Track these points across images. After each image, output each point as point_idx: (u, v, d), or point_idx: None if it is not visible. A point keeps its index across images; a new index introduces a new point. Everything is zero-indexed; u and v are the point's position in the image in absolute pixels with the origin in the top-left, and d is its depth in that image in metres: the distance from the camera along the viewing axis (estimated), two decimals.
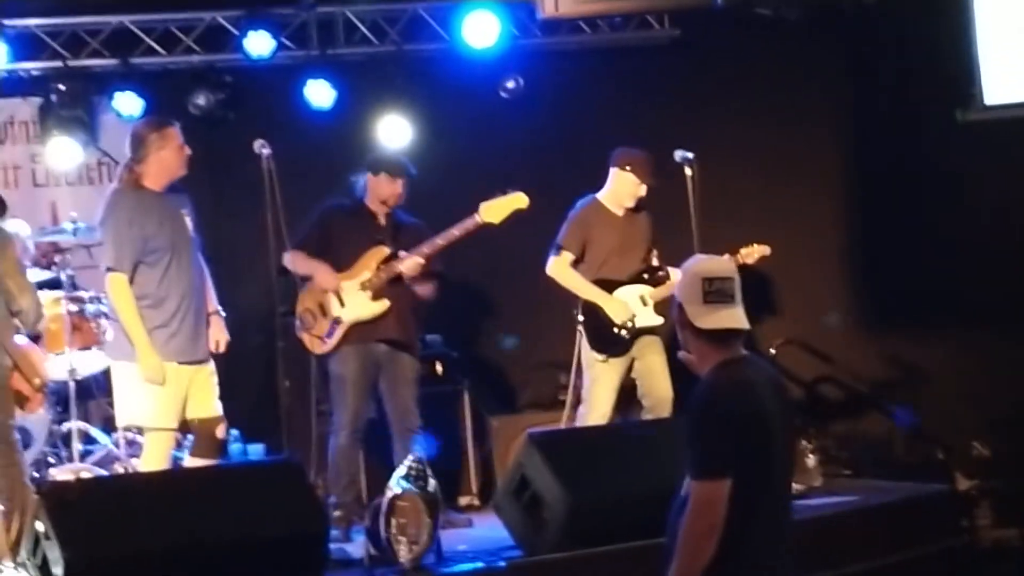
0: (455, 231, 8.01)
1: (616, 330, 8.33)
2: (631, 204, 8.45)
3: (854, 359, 10.21)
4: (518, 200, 8.07)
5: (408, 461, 6.76)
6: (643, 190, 8.42)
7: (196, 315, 7.30)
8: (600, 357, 8.36)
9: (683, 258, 4.75)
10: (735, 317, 4.41)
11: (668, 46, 10.55)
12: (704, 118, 10.08)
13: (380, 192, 8.21)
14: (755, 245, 8.49)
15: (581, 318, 8.41)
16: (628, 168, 8.37)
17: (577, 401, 8.58)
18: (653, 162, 8.37)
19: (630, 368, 8.43)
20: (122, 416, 7.42)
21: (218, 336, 7.45)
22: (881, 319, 10.32)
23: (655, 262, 8.50)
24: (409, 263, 8.00)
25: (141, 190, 7.27)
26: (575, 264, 8.45)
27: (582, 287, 8.41)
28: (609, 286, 8.41)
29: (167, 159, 7.28)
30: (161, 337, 7.16)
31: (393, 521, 6.55)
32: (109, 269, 7.19)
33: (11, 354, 7.01)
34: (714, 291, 4.39)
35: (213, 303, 7.50)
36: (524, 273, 9.73)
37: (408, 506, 6.57)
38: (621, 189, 8.43)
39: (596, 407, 8.34)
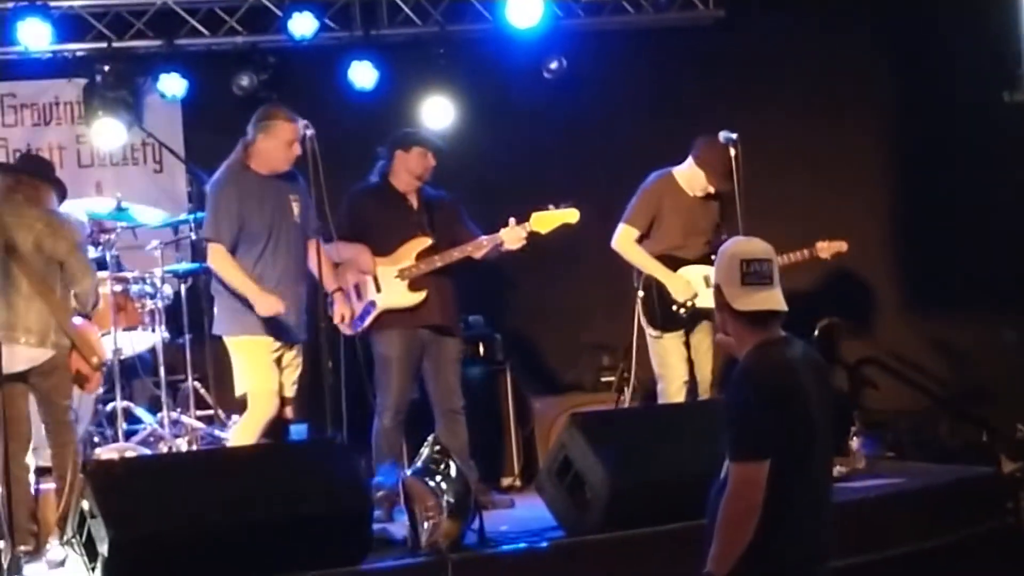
0: (502, 236, 8.04)
1: (675, 308, 8.27)
2: (701, 195, 8.40)
3: (898, 341, 10.17)
4: (569, 215, 8.10)
5: (427, 447, 6.81)
6: (712, 189, 8.36)
7: (293, 298, 7.48)
8: (654, 332, 8.31)
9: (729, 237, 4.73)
10: (773, 299, 4.40)
11: (712, 27, 10.51)
12: (748, 99, 10.04)
13: (413, 167, 8.16)
14: (831, 241, 8.45)
15: (641, 293, 8.36)
16: (702, 167, 8.30)
17: (623, 385, 8.56)
18: (729, 164, 8.20)
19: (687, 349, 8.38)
20: (237, 387, 7.65)
21: (343, 311, 7.76)
22: (926, 301, 10.26)
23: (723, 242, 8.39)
24: (509, 234, 8.01)
25: (247, 171, 7.49)
26: (643, 238, 8.39)
27: (646, 262, 8.33)
28: (674, 263, 8.34)
29: (268, 152, 7.49)
30: (254, 315, 7.35)
31: (411, 507, 6.62)
32: (208, 240, 7.46)
33: (69, 334, 7.07)
34: (752, 272, 4.38)
35: (331, 281, 7.72)
36: (568, 254, 9.75)
37: (419, 492, 6.60)
38: (694, 179, 8.36)
39: (672, 379, 8.28)
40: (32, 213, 7.07)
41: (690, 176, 8.38)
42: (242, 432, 7.53)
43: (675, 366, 8.30)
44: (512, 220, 8.02)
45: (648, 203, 8.40)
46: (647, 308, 8.35)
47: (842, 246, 8.51)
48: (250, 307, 7.37)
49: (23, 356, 6.90)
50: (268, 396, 7.46)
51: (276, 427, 7.55)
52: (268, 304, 7.32)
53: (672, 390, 8.27)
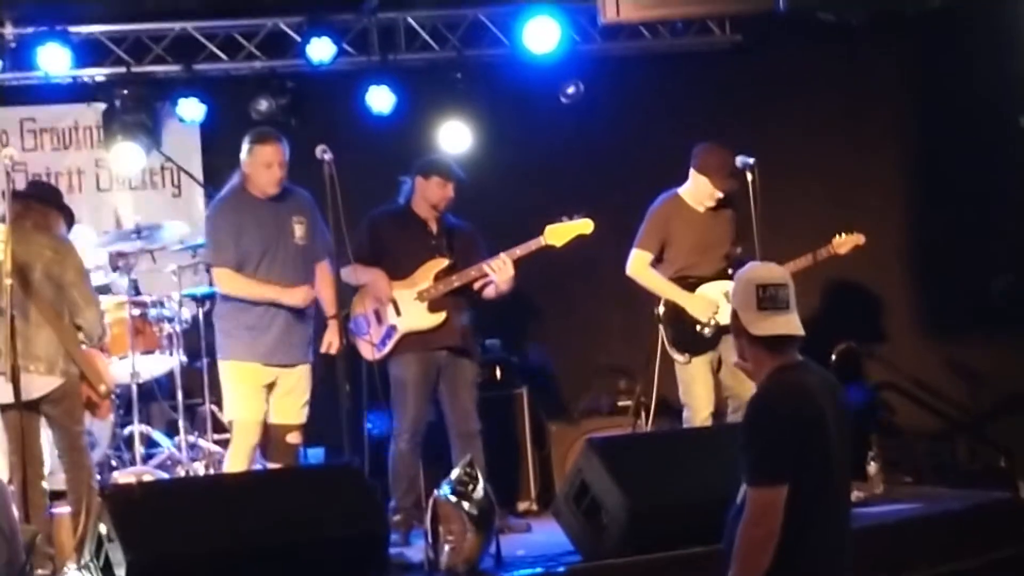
0: (518, 251, 8.06)
1: (699, 328, 8.21)
2: (711, 204, 8.36)
3: (916, 365, 10.14)
4: (583, 226, 8.10)
5: (459, 467, 6.81)
6: (720, 193, 8.35)
7: (289, 318, 7.52)
8: (682, 358, 8.26)
9: (746, 261, 4.74)
10: (790, 323, 4.40)
11: (729, 52, 10.52)
12: (765, 124, 10.04)
13: (431, 196, 8.21)
14: (847, 234, 8.43)
15: (662, 319, 8.30)
16: (703, 173, 8.27)
17: (640, 409, 8.54)
18: (731, 164, 8.22)
19: (719, 366, 8.29)
20: (226, 412, 7.76)
21: (331, 339, 7.67)
22: (944, 324, 10.23)
23: (740, 257, 8.37)
24: (497, 264, 8.01)
25: (244, 193, 7.61)
26: (656, 261, 8.36)
27: (662, 287, 8.28)
28: (691, 284, 8.31)
29: (252, 175, 7.61)
30: (246, 338, 7.47)
31: (436, 527, 6.63)
32: (212, 266, 7.59)
33: (78, 362, 7.08)
34: (767, 297, 4.39)
35: (332, 307, 7.67)
36: (584, 278, 9.75)
37: (448, 513, 6.61)
38: (699, 190, 8.32)
39: (698, 409, 8.20)
40: (40, 240, 7.08)
41: (694, 189, 8.34)
42: (230, 463, 7.61)
43: (701, 396, 8.20)
44: (502, 255, 8.03)
45: (656, 225, 8.36)
46: (672, 334, 8.30)
47: (859, 239, 8.46)
48: (243, 331, 7.45)
49: (33, 384, 6.88)
50: (248, 426, 7.52)
51: (286, 452, 7.56)
52: (296, 295, 7.47)
53: (698, 420, 8.19)
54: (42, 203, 7.31)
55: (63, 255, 7.13)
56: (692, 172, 8.34)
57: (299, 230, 7.62)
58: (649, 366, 8.46)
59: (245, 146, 7.63)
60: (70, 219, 7.49)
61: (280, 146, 7.57)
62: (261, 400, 7.53)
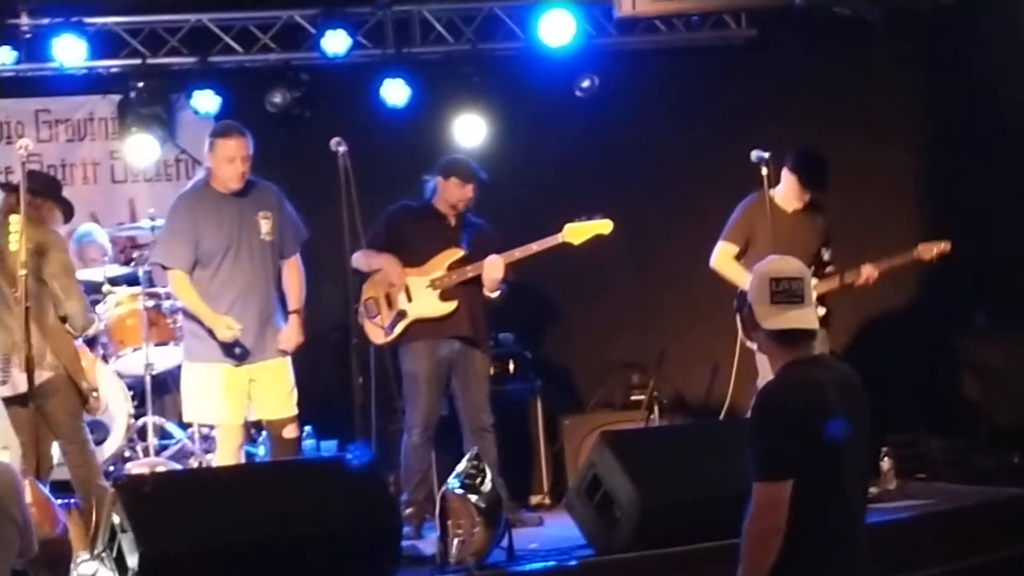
0: (534, 246, 8.05)
1: None
2: (799, 206, 8.35)
3: (929, 360, 10.11)
4: (602, 226, 8.08)
5: (465, 460, 6.81)
6: (807, 195, 8.32)
7: (258, 312, 7.44)
8: (753, 345, 8.24)
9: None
10: (803, 317, 4.38)
11: (744, 46, 10.50)
12: (781, 119, 10.02)
13: (450, 196, 8.22)
14: (935, 242, 8.41)
15: (737, 310, 8.27)
16: (794, 175, 8.28)
17: (652, 403, 8.51)
18: (822, 172, 8.26)
19: None
20: (186, 413, 7.73)
21: (289, 335, 7.54)
22: (957, 320, 10.20)
23: (826, 258, 8.36)
24: (491, 261, 8.00)
25: (208, 189, 7.51)
26: (741, 256, 8.35)
27: (741, 278, 8.28)
28: None
29: (215, 170, 7.50)
30: (212, 340, 7.33)
31: (445, 520, 6.63)
32: (163, 267, 7.52)
33: (60, 358, 7.05)
34: (781, 291, 4.38)
35: (297, 301, 7.61)
36: (598, 272, 9.74)
37: (456, 506, 6.61)
38: (788, 191, 8.33)
39: None
40: (31, 234, 6.93)
41: (785, 190, 8.34)
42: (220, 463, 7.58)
43: None
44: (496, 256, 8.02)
45: (742, 221, 8.38)
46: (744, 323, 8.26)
47: (944, 247, 8.44)
48: (208, 332, 7.36)
49: (22, 378, 6.84)
50: (232, 429, 7.46)
51: (286, 448, 7.52)
52: (224, 328, 7.25)
53: None
54: (37, 196, 7.23)
55: (47, 248, 7.06)
56: (784, 171, 8.34)
57: (265, 225, 7.48)
58: (660, 360, 8.42)
59: (208, 140, 7.52)
60: (68, 211, 7.46)
61: (244, 140, 7.42)
62: (240, 400, 7.41)
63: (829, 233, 8.46)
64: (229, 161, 7.41)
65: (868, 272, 8.35)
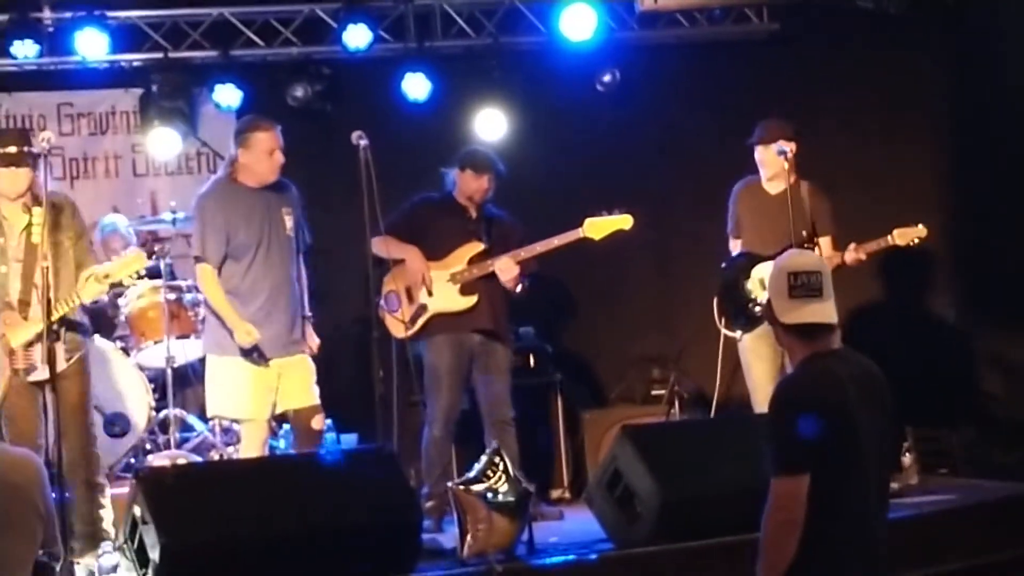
0: (555, 240, 8.05)
1: (750, 305, 8.20)
2: (772, 175, 8.29)
3: (952, 356, 10.08)
4: (623, 221, 8.08)
5: (485, 455, 6.81)
6: (782, 162, 8.22)
7: (288, 308, 7.43)
8: (735, 335, 8.24)
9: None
10: (821, 311, 4.37)
11: (766, 40, 10.49)
12: (802, 112, 9.96)
13: (466, 188, 8.24)
14: (912, 227, 8.37)
15: (717, 297, 8.29)
16: (769, 141, 8.27)
17: (673, 398, 8.49)
18: (782, 129, 8.25)
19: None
20: (211, 407, 7.64)
21: (311, 338, 7.60)
22: (979, 315, 10.17)
23: (816, 241, 8.28)
24: (502, 264, 8.01)
25: (235, 184, 7.46)
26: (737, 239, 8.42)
27: None
28: (754, 261, 8.22)
29: (251, 165, 7.44)
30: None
31: (461, 514, 6.66)
32: (196, 259, 7.41)
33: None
34: (799, 285, 4.37)
35: (307, 307, 7.62)
36: (618, 266, 9.73)
37: (468, 500, 6.62)
38: (766, 163, 8.30)
39: (755, 389, 8.15)
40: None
41: (762, 163, 8.31)
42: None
43: (761, 377, 8.09)
44: (505, 257, 8.03)
45: (732, 208, 8.46)
46: (724, 310, 8.26)
47: (921, 232, 8.34)
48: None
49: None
50: (259, 424, 7.42)
51: (312, 439, 7.48)
52: (246, 335, 7.20)
53: (758, 399, 8.13)
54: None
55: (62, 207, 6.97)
56: (757, 147, 8.33)
57: (288, 221, 7.47)
58: (680, 355, 8.42)
59: (240, 136, 7.46)
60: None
61: (277, 131, 7.44)
62: (269, 395, 7.37)
63: (826, 215, 8.33)
64: (269, 153, 7.40)
65: (852, 257, 8.24)
